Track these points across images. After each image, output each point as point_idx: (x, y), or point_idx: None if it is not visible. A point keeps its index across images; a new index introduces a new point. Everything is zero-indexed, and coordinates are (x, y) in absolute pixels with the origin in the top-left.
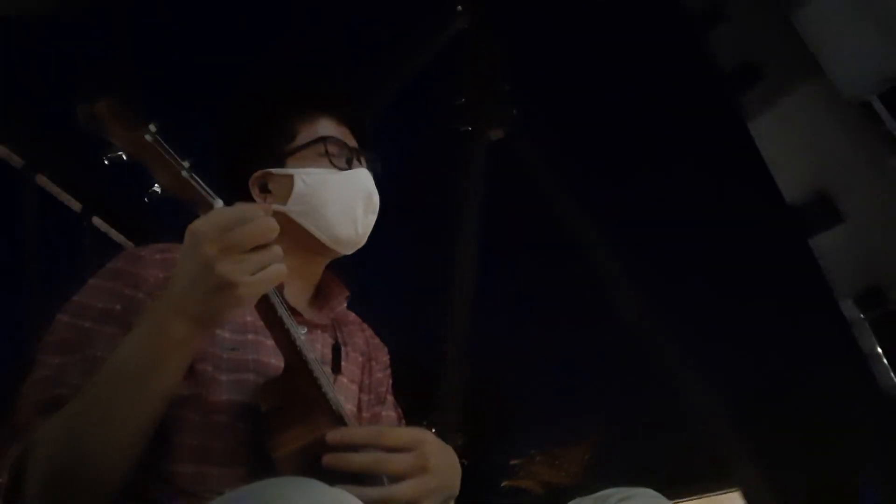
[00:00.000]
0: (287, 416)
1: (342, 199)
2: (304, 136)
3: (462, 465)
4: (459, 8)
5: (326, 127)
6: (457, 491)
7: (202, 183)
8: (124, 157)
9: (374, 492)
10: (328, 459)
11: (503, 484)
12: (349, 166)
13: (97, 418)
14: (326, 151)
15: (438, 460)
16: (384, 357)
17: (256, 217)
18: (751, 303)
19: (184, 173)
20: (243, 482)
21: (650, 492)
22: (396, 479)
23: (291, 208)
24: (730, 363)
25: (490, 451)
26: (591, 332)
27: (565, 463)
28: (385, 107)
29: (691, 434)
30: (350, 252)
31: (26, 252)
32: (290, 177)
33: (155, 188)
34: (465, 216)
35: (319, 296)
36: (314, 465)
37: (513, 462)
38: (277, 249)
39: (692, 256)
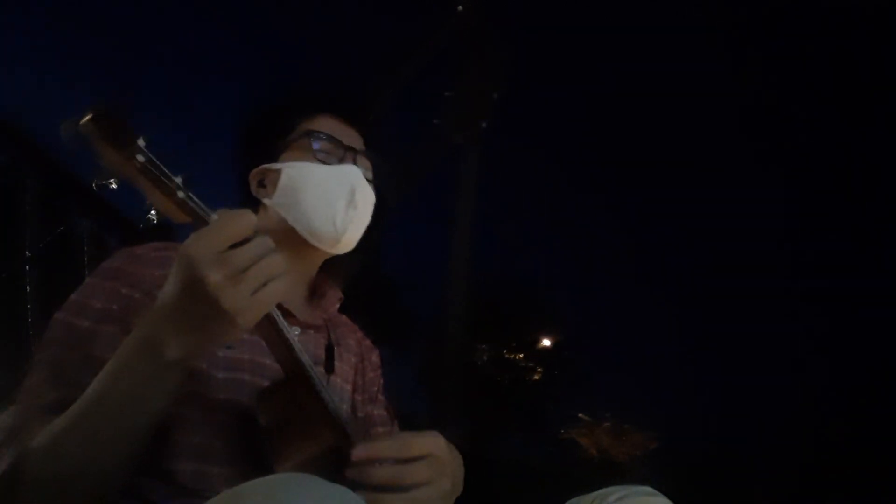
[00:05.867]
0: (288, 429)
1: (322, 192)
2: (298, 132)
3: (527, 403)
4: (460, 8)
5: (324, 124)
6: (461, 488)
7: (199, 202)
8: (114, 185)
9: (394, 498)
10: (351, 474)
11: (562, 430)
12: (339, 163)
13: (83, 439)
14: (312, 145)
15: (452, 465)
16: (375, 358)
17: (253, 236)
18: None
19: (180, 194)
20: (244, 480)
21: (649, 490)
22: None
23: (275, 201)
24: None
25: (562, 398)
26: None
27: (629, 441)
28: (390, 101)
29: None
30: (335, 250)
31: (25, 253)
32: (280, 171)
33: (150, 216)
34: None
35: (314, 296)
36: (319, 474)
37: (580, 415)
38: (275, 260)
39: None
